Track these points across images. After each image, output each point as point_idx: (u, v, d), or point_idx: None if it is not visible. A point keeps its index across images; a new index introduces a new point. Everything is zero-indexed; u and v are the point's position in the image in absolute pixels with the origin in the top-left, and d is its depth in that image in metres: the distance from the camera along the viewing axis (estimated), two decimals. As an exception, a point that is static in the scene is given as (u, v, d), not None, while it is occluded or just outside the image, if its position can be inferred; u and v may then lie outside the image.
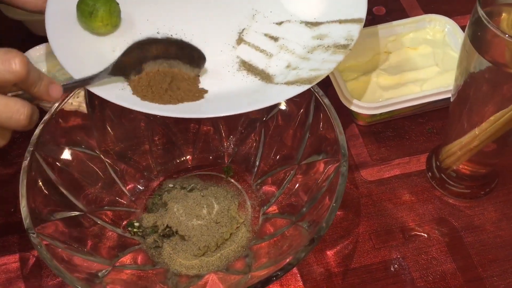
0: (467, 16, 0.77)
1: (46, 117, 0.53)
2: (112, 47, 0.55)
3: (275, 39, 0.56)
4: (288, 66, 0.53)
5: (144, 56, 0.50)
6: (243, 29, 0.57)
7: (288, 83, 0.50)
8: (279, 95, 0.49)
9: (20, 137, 0.66)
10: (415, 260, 0.55)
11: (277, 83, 0.51)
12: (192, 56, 0.51)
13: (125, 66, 0.50)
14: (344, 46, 0.52)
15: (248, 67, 0.53)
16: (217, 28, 0.57)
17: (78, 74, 0.49)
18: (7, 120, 0.41)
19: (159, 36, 0.52)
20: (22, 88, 0.43)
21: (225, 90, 0.51)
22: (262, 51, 0.55)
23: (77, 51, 0.53)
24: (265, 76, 0.52)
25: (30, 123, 0.42)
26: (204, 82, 0.52)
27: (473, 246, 0.55)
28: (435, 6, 0.75)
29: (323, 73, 0.50)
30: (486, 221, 0.57)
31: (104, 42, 0.55)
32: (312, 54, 0.53)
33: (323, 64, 0.51)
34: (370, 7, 0.78)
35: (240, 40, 0.56)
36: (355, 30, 0.53)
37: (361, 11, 0.55)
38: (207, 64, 0.52)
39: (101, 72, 0.49)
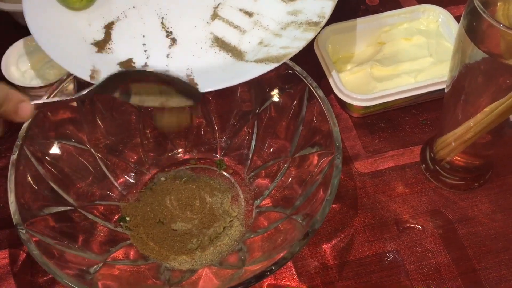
0: (461, 6, 0.77)
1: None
2: (88, 21, 0.55)
3: (250, 14, 0.56)
4: (260, 43, 0.53)
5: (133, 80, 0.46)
6: (218, 4, 0.57)
7: (257, 61, 0.50)
8: (247, 73, 0.49)
9: (8, 131, 0.65)
10: (410, 252, 0.54)
11: (247, 61, 0.51)
12: (186, 90, 0.47)
13: (109, 88, 0.46)
14: (316, 24, 0.53)
15: (221, 43, 0.53)
16: (193, 3, 0.57)
17: (53, 50, 0.50)
18: None
19: (152, 69, 0.46)
20: None
21: (197, 67, 0.51)
22: (236, 27, 0.55)
23: (52, 26, 0.53)
24: (236, 53, 0.52)
25: None
26: (176, 58, 0.52)
27: (467, 238, 0.55)
28: (428, -4, 0.74)
29: (291, 51, 0.50)
30: (480, 212, 0.57)
31: (80, 16, 0.55)
32: (285, 31, 0.53)
33: (293, 42, 0.51)
34: (364, -3, 0.78)
35: (214, 16, 0.56)
36: (328, 6, 0.54)
37: None
38: (180, 40, 0.53)
39: (79, 93, 0.45)
